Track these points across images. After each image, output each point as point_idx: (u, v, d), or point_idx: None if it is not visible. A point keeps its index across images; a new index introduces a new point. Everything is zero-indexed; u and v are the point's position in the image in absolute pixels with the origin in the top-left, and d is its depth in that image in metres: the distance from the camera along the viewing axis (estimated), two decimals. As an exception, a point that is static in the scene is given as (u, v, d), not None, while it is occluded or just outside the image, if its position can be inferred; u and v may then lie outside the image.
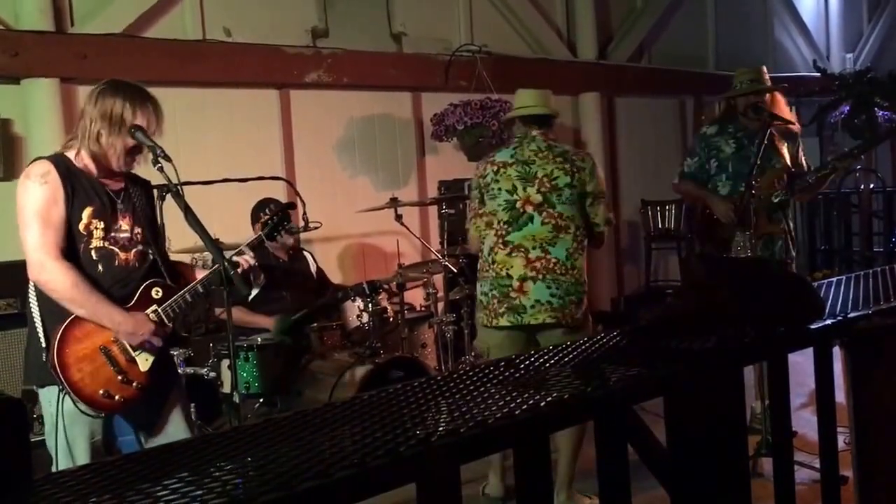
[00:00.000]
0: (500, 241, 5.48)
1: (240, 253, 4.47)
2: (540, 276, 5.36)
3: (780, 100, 6.41)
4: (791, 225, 6.43)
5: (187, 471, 2.10)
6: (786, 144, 6.36)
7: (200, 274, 4.42)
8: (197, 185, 5.76)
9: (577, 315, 5.42)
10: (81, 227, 4.02)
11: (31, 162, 4.09)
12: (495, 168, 5.56)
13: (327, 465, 2.03)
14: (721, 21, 13.78)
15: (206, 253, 6.70)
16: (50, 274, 3.94)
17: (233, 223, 7.17)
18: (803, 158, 6.48)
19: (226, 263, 4.09)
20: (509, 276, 5.41)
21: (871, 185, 13.39)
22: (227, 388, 6.33)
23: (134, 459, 2.28)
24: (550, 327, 5.41)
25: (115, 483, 2.06)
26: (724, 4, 13.82)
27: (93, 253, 4.07)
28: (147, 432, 4.31)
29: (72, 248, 4.02)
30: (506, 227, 5.47)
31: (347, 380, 6.25)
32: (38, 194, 3.95)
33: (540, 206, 5.43)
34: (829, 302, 3.75)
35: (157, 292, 4.20)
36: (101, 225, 4.07)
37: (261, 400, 6.56)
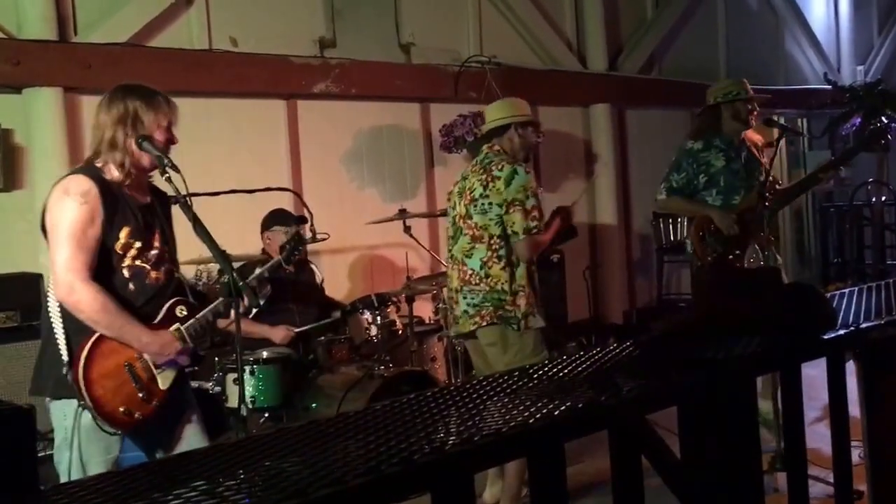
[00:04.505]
0: (449, 254, 5.85)
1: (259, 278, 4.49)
2: (460, 288, 5.66)
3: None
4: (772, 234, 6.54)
5: (201, 480, 2.08)
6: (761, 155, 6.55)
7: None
8: (203, 195, 5.68)
9: (495, 316, 5.54)
10: (118, 246, 4.02)
11: (68, 175, 4.07)
12: (452, 187, 5.98)
13: (342, 473, 2.02)
14: (732, 33, 13.75)
15: (211, 264, 6.63)
16: (79, 296, 3.89)
17: (239, 234, 7.10)
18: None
19: (234, 275, 4.07)
20: (451, 289, 5.79)
21: (884, 198, 13.35)
22: (232, 403, 6.24)
23: (146, 469, 2.28)
24: (481, 331, 5.62)
25: (126, 493, 2.04)
26: (734, 17, 13.80)
27: (125, 272, 4.06)
28: (164, 450, 4.27)
29: (104, 268, 3.99)
30: (451, 241, 5.82)
31: (355, 394, 6.16)
32: (75, 214, 3.92)
33: (464, 218, 5.69)
34: (842, 313, 3.75)
35: (181, 311, 4.21)
36: (138, 244, 4.07)
37: (266, 414, 6.45)
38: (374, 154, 9.46)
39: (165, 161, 4.00)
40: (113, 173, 4.05)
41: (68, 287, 3.89)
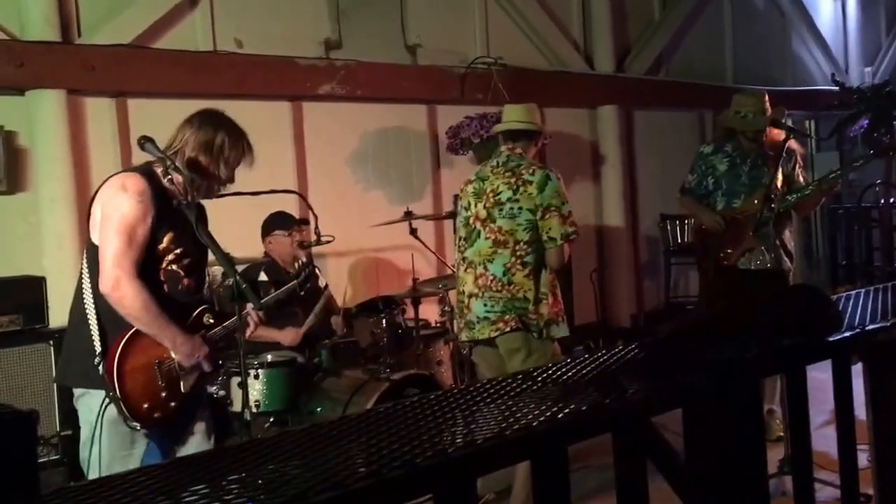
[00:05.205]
0: (461, 256, 5.69)
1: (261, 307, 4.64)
2: (480, 293, 5.52)
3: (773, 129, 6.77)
4: (787, 236, 6.74)
5: (202, 484, 2.06)
6: (780, 163, 6.64)
7: None
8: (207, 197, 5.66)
9: (519, 322, 5.46)
10: (160, 249, 4.18)
11: (124, 172, 4.26)
12: (463, 186, 5.81)
13: (343, 477, 2.00)
14: (738, 35, 13.73)
15: (216, 268, 6.61)
16: (124, 291, 4.03)
17: (244, 237, 7.08)
18: (801, 176, 6.80)
19: (237, 277, 4.14)
20: (463, 293, 5.63)
21: (892, 200, 13.29)
22: (236, 407, 6.22)
23: (147, 473, 2.22)
24: (504, 337, 5.51)
25: (127, 497, 2.01)
26: (741, 18, 13.77)
27: (162, 275, 4.22)
28: (172, 450, 4.42)
29: (144, 268, 4.12)
30: (464, 243, 5.68)
31: (361, 398, 6.14)
32: (130, 211, 4.07)
33: (484, 221, 5.56)
34: (848, 314, 3.71)
35: (208, 318, 4.38)
36: (178, 251, 4.24)
37: (272, 419, 6.43)
38: (380, 156, 9.44)
39: (168, 163, 4.11)
40: (174, 181, 4.20)
41: (115, 281, 4.01)
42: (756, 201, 6.56)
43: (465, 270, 5.62)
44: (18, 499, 2.03)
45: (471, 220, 5.62)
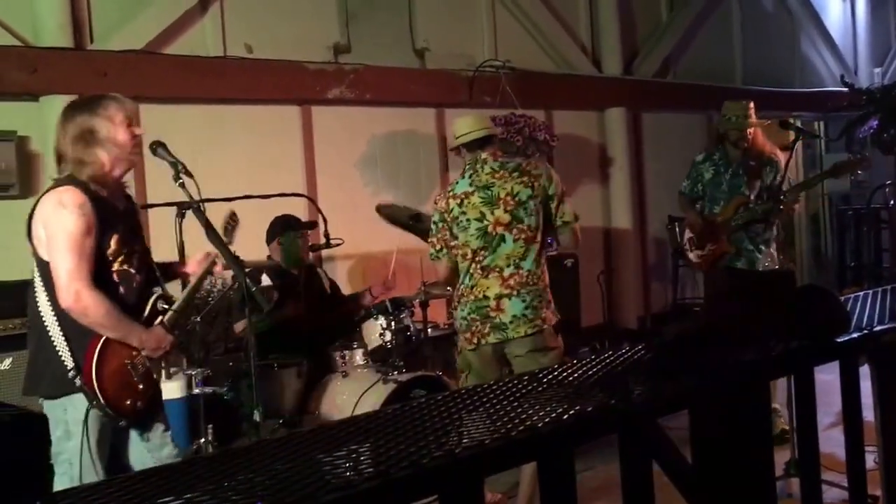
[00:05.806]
0: (478, 266, 5.61)
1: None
2: (514, 292, 5.52)
3: (759, 134, 7.22)
4: (767, 240, 7.07)
5: (210, 484, 2.10)
6: (765, 172, 7.09)
7: (188, 267, 4.78)
8: (217, 201, 5.69)
9: (552, 319, 5.58)
10: (109, 253, 4.19)
11: (58, 188, 4.18)
12: (458, 200, 5.69)
13: (350, 478, 2.03)
14: (747, 36, 13.69)
15: (226, 271, 6.63)
16: (86, 302, 4.06)
17: (253, 240, 7.06)
18: (788, 184, 7.08)
19: (247, 280, 4.13)
20: (486, 298, 5.55)
21: (902, 201, 13.26)
22: (246, 409, 6.24)
23: (155, 474, 2.29)
24: (536, 336, 5.54)
25: (136, 497, 2.06)
26: (750, 19, 13.74)
27: (115, 276, 4.23)
28: (143, 436, 4.46)
29: (97, 274, 4.14)
30: (482, 252, 5.60)
31: (368, 399, 6.16)
32: (74, 224, 4.06)
33: (509, 224, 5.57)
34: (856, 316, 3.76)
35: (161, 305, 4.42)
36: (125, 250, 4.25)
37: (280, 421, 6.45)
38: (388, 159, 9.46)
39: (179, 167, 4.11)
40: (96, 184, 4.19)
41: (75, 294, 4.04)
42: (735, 208, 7.01)
43: (486, 277, 5.57)
44: (30, 498, 2.05)
45: (489, 229, 5.57)
